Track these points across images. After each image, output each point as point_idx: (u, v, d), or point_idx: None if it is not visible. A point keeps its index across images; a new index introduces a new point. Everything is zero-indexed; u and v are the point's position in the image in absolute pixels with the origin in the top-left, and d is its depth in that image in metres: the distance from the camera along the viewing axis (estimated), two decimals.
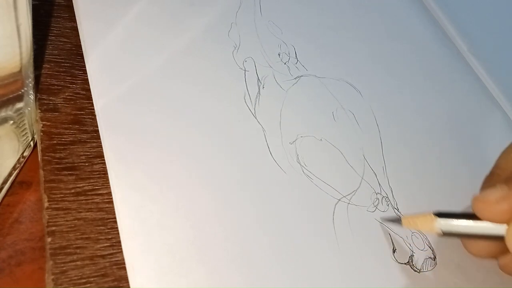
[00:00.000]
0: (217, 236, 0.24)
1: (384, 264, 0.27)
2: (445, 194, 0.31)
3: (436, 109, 0.34)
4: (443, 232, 0.24)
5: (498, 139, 0.34)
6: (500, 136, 0.34)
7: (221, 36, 0.32)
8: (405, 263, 0.27)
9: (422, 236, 0.28)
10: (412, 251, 0.27)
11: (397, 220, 0.26)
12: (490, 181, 0.27)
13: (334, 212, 0.27)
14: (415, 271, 0.27)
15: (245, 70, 0.31)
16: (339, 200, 0.28)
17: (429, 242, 0.28)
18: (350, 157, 0.30)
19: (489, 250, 0.26)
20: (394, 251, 0.27)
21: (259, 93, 0.30)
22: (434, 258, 0.28)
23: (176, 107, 0.28)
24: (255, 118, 0.29)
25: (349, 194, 0.28)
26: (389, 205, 0.29)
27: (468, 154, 0.32)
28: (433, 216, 0.25)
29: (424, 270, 0.27)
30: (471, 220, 0.24)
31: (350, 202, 0.28)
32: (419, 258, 0.27)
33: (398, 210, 0.29)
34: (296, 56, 0.33)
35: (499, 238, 0.24)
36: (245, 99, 0.29)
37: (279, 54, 0.32)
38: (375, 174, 0.30)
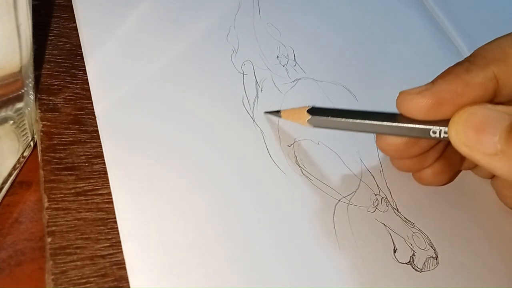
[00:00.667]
0: (216, 237, 0.24)
1: (385, 264, 0.26)
2: (443, 193, 0.31)
3: None
4: (313, 126, 0.27)
5: None
6: None
7: (219, 40, 0.32)
8: (406, 263, 0.27)
9: (423, 235, 0.28)
10: (413, 251, 0.27)
11: (278, 113, 0.29)
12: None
13: (334, 213, 0.27)
14: (417, 270, 0.27)
15: (243, 74, 0.31)
16: (339, 200, 0.28)
17: (430, 242, 0.28)
18: (347, 160, 0.30)
19: (412, 165, 0.28)
20: (395, 251, 0.27)
21: (257, 96, 0.30)
22: (436, 258, 0.28)
23: (174, 110, 0.28)
24: (254, 121, 0.29)
25: (348, 195, 0.28)
26: (389, 205, 0.29)
27: None
28: (306, 112, 0.26)
29: (425, 270, 0.27)
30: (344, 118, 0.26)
31: (350, 203, 0.28)
32: (421, 258, 0.27)
33: (398, 210, 0.29)
34: (294, 58, 0.33)
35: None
36: (243, 103, 0.30)
37: (277, 57, 0.32)
38: (373, 176, 0.30)
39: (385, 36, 0.37)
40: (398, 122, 0.25)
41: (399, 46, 0.37)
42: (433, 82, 0.24)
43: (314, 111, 0.27)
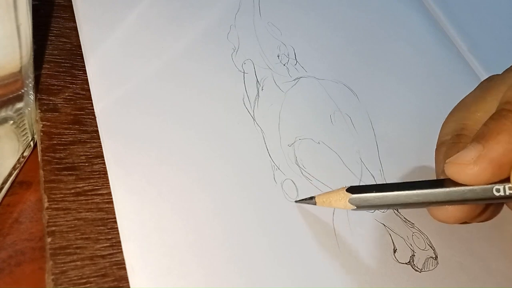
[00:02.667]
0: (216, 238, 0.24)
1: (385, 264, 0.26)
2: None
3: (435, 109, 0.34)
4: (357, 206, 0.24)
5: None
6: None
7: (220, 38, 0.32)
8: (406, 263, 0.27)
9: (422, 236, 0.28)
10: (413, 251, 0.27)
11: (312, 200, 0.25)
12: (458, 144, 0.25)
13: (334, 213, 0.27)
14: (416, 271, 0.27)
15: (244, 72, 0.31)
16: None
17: (430, 242, 0.28)
18: (348, 160, 0.30)
19: (460, 216, 0.25)
20: (395, 251, 0.27)
21: (258, 95, 0.30)
22: (436, 258, 0.28)
23: (175, 110, 0.28)
24: (254, 120, 0.29)
25: None
26: None
27: None
28: (345, 192, 0.24)
29: (425, 270, 0.27)
30: (385, 192, 0.23)
31: None
32: (420, 258, 0.27)
33: (397, 210, 0.29)
34: (295, 57, 0.33)
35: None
36: (244, 102, 0.30)
37: (278, 56, 0.32)
38: (373, 176, 0.30)
39: (385, 35, 0.37)
40: (455, 186, 0.23)
41: (399, 46, 0.37)
42: (481, 141, 0.22)
43: (354, 189, 0.24)
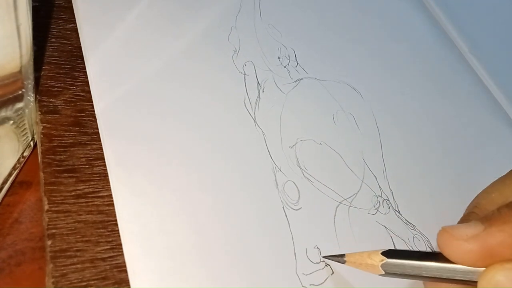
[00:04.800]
0: (218, 240, 0.24)
1: None
2: (446, 196, 0.30)
3: (437, 110, 0.34)
4: (386, 273, 0.22)
5: (499, 140, 0.34)
6: (501, 137, 0.34)
7: (221, 40, 0.32)
8: None
9: (423, 238, 0.28)
10: None
11: (341, 258, 0.23)
12: (467, 220, 0.24)
13: (335, 215, 0.27)
14: None
15: (245, 74, 0.31)
16: (340, 203, 0.28)
17: (430, 245, 0.28)
18: (350, 160, 0.30)
19: None
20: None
21: (259, 97, 0.30)
22: None
23: (176, 111, 0.28)
24: (255, 122, 0.29)
25: (350, 197, 0.28)
26: (390, 207, 0.29)
27: (469, 155, 0.32)
28: (379, 256, 0.22)
29: None
30: (424, 262, 0.21)
31: (351, 205, 0.28)
32: None
33: (399, 212, 0.29)
34: (296, 59, 0.33)
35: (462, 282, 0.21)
36: (245, 103, 0.29)
37: (279, 58, 0.32)
38: (375, 177, 0.30)
39: (387, 36, 0.37)
40: (439, 262, 0.21)
41: (401, 47, 0.37)
42: (484, 223, 0.21)
43: (391, 253, 0.22)
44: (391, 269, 0.22)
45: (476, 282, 0.21)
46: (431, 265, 0.21)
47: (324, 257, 0.25)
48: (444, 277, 0.21)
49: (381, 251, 0.22)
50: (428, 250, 0.28)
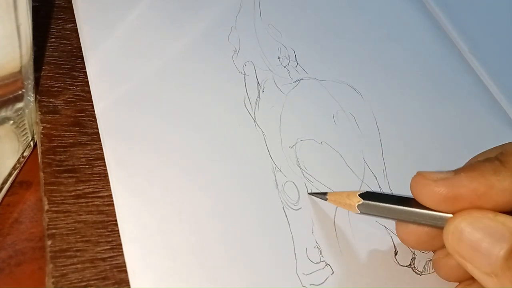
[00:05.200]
0: (218, 240, 0.24)
1: (385, 267, 0.26)
2: None
3: (437, 110, 0.34)
4: (360, 212, 0.24)
5: (499, 140, 0.33)
6: (501, 137, 0.34)
7: (221, 40, 0.32)
8: (406, 266, 0.27)
9: None
10: (414, 254, 0.27)
11: (323, 196, 0.26)
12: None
13: (335, 215, 0.27)
14: (417, 273, 0.27)
15: (244, 74, 0.31)
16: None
17: None
18: (350, 160, 0.30)
19: (419, 238, 0.24)
20: (395, 253, 0.27)
21: (259, 97, 0.30)
22: None
23: (176, 111, 0.28)
24: (255, 122, 0.29)
25: None
26: None
27: (469, 155, 0.32)
28: (357, 197, 0.24)
29: (426, 273, 0.27)
30: (397, 205, 0.23)
31: None
32: (421, 261, 0.27)
33: None
34: (296, 59, 0.33)
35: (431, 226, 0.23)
36: (245, 103, 0.29)
37: (279, 58, 0.32)
38: (375, 177, 0.30)
39: (387, 37, 0.37)
40: (411, 207, 0.23)
41: (401, 47, 0.37)
42: (455, 172, 0.22)
43: (367, 195, 0.24)
44: (366, 210, 0.24)
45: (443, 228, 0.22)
46: (403, 209, 0.23)
47: (309, 193, 0.27)
48: (412, 220, 0.23)
49: (359, 193, 0.24)
50: (429, 251, 0.28)
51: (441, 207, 0.22)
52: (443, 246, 0.23)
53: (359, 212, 0.24)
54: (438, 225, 0.22)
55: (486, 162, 0.22)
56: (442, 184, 0.21)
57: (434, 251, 0.26)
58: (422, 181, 0.22)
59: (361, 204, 0.24)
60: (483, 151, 0.26)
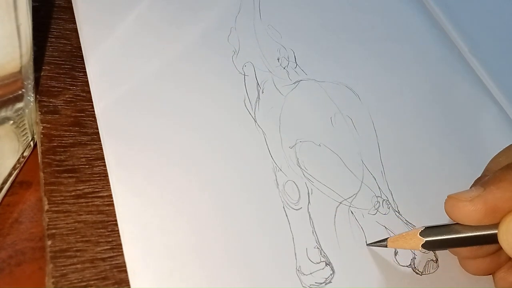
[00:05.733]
0: (218, 240, 0.24)
1: (386, 267, 0.26)
2: (445, 196, 0.30)
3: (436, 110, 0.34)
4: (427, 250, 0.25)
5: (499, 140, 0.34)
6: (501, 137, 0.34)
7: (220, 41, 0.32)
8: (407, 266, 0.27)
9: None
10: (414, 254, 0.27)
11: (383, 243, 0.26)
12: (477, 183, 0.26)
13: (335, 215, 0.27)
14: (417, 273, 0.27)
15: (244, 75, 0.31)
16: (340, 203, 0.28)
17: None
18: (349, 162, 0.30)
19: (486, 266, 0.27)
20: (396, 253, 0.27)
21: (259, 98, 0.30)
22: (436, 261, 0.28)
23: (176, 111, 0.28)
24: (255, 122, 0.29)
25: (350, 197, 0.28)
26: (390, 208, 0.29)
27: (469, 155, 0.32)
28: (418, 236, 0.24)
29: (426, 273, 0.27)
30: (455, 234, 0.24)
31: (351, 205, 0.28)
32: (421, 261, 0.27)
33: (399, 212, 0.29)
34: (295, 61, 0.33)
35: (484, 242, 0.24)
36: (245, 103, 0.29)
37: (278, 59, 0.32)
38: (374, 178, 0.30)
39: (386, 37, 0.37)
40: (462, 231, 0.24)
41: (400, 47, 0.37)
42: (484, 185, 0.23)
43: (427, 232, 0.25)
44: (430, 247, 0.25)
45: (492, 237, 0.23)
46: (462, 237, 0.24)
47: (368, 244, 0.27)
48: (470, 243, 0.24)
49: (419, 232, 0.25)
50: (429, 251, 0.28)
51: (484, 221, 0.23)
52: (502, 265, 0.26)
53: (425, 251, 0.25)
54: (492, 240, 0.23)
55: (510, 170, 0.23)
56: (478, 202, 0.23)
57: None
58: (458, 204, 0.23)
59: (424, 243, 0.24)
60: (494, 156, 0.27)
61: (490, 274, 0.28)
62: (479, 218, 0.23)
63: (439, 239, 0.24)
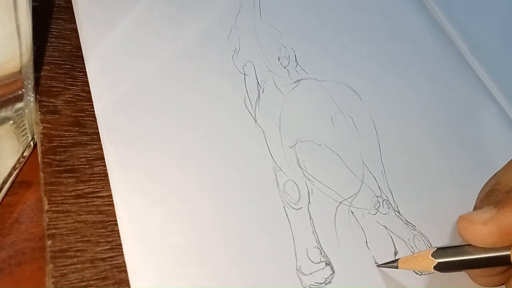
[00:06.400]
0: (218, 240, 0.24)
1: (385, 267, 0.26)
2: (445, 196, 0.30)
3: (437, 110, 0.34)
4: (439, 271, 0.24)
5: (499, 140, 0.34)
6: (501, 137, 0.34)
7: (220, 40, 0.32)
8: None
9: (423, 238, 0.28)
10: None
11: (394, 264, 0.26)
12: (489, 197, 0.26)
13: (335, 215, 0.27)
14: (417, 274, 0.27)
15: (244, 74, 0.31)
16: (340, 203, 0.28)
17: (431, 245, 0.28)
18: (349, 161, 0.30)
19: (498, 281, 0.26)
20: (395, 253, 0.27)
21: (259, 97, 0.30)
22: None
23: (176, 111, 0.28)
24: (256, 121, 0.29)
25: (350, 197, 0.28)
26: (390, 207, 0.29)
27: (469, 155, 0.32)
28: (430, 257, 0.24)
29: (425, 273, 0.27)
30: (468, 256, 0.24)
31: (352, 205, 0.28)
32: None
33: (399, 212, 0.29)
34: (296, 60, 0.33)
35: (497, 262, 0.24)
36: (245, 103, 0.29)
37: (278, 58, 0.32)
38: (375, 177, 0.30)
39: (387, 37, 0.37)
40: (475, 252, 0.24)
41: (401, 47, 0.37)
42: (497, 206, 0.23)
43: (438, 253, 0.24)
44: (441, 269, 0.24)
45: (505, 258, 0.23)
46: (474, 258, 0.24)
47: (378, 265, 0.26)
48: (483, 265, 0.24)
49: (430, 253, 0.24)
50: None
51: (498, 244, 0.23)
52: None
53: (436, 272, 0.25)
54: (504, 262, 0.24)
55: None
56: (492, 225, 0.23)
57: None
58: (471, 226, 0.23)
59: (436, 265, 0.24)
60: (504, 166, 0.27)
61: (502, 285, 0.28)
62: (493, 241, 0.23)
63: (451, 261, 0.24)
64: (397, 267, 0.25)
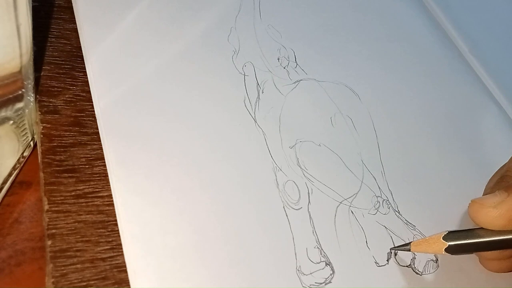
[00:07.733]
0: (218, 240, 0.24)
1: (386, 267, 0.26)
2: (445, 196, 0.30)
3: (437, 110, 0.34)
4: (450, 254, 0.25)
5: (499, 140, 0.34)
6: (501, 137, 0.34)
7: (220, 40, 0.32)
8: (406, 266, 0.27)
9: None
10: (414, 254, 0.27)
11: (406, 247, 0.26)
12: (500, 183, 0.27)
13: (335, 215, 0.27)
14: (417, 274, 0.27)
15: (244, 75, 0.31)
16: (340, 203, 0.28)
17: None
18: (349, 162, 0.30)
19: (509, 265, 0.27)
20: (396, 253, 0.27)
21: (259, 98, 0.30)
22: (436, 261, 0.28)
23: (176, 111, 0.28)
24: (255, 122, 0.29)
25: (350, 197, 0.28)
26: (390, 208, 0.29)
27: (469, 156, 0.32)
28: (441, 240, 0.25)
29: (426, 273, 0.27)
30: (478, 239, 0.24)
31: (352, 205, 0.28)
32: (421, 261, 0.27)
33: (399, 212, 0.29)
34: (295, 60, 0.33)
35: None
36: (245, 103, 0.29)
37: (278, 59, 0.32)
38: (374, 178, 0.30)
39: (386, 37, 0.37)
40: (485, 235, 0.24)
41: (401, 47, 0.37)
42: (508, 190, 0.24)
43: (450, 236, 0.25)
44: (453, 251, 0.25)
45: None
46: (485, 241, 0.24)
47: (391, 248, 0.27)
48: (493, 247, 0.25)
49: (442, 236, 0.25)
50: None
51: (508, 227, 0.24)
52: None
53: (448, 255, 0.25)
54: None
55: None
56: (502, 208, 0.23)
57: None
58: (482, 209, 0.24)
59: (447, 247, 0.25)
60: (502, 165, 0.27)
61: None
62: (504, 224, 0.23)
63: (462, 243, 0.24)
64: (409, 250, 0.26)
